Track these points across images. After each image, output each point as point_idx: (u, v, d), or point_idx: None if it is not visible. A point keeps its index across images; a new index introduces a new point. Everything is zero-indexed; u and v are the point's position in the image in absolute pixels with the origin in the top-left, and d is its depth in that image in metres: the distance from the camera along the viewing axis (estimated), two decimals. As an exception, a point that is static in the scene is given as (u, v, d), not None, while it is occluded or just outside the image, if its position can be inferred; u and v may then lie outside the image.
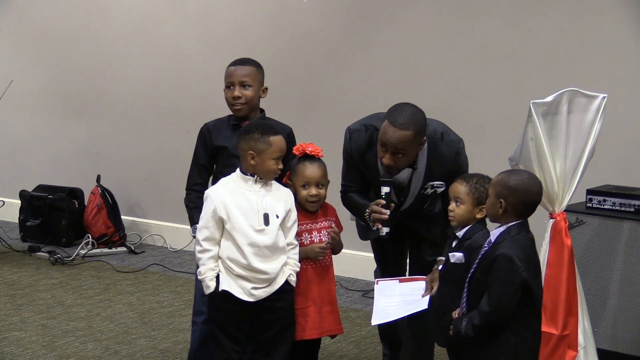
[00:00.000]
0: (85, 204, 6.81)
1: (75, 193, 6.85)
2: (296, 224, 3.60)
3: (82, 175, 6.96)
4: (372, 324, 3.66)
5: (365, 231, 3.86)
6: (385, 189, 3.54)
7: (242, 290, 3.49)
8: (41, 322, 5.01)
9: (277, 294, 3.53)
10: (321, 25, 5.95)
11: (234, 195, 3.51)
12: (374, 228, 3.58)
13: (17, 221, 6.95)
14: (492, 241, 3.14)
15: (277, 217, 3.51)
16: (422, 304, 3.49)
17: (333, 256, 3.78)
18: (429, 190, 3.65)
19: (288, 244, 3.56)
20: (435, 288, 3.48)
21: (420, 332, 3.84)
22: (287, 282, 3.55)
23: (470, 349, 3.16)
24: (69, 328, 4.92)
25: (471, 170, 3.61)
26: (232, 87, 3.84)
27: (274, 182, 3.59)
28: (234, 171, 3.60)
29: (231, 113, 3.88)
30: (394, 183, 3.63)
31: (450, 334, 3.18)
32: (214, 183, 3.77)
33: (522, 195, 3.13)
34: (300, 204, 3.68)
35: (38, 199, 6.80)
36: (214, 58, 6.43)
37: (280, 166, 3.54)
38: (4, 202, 6.99)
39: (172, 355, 4.57)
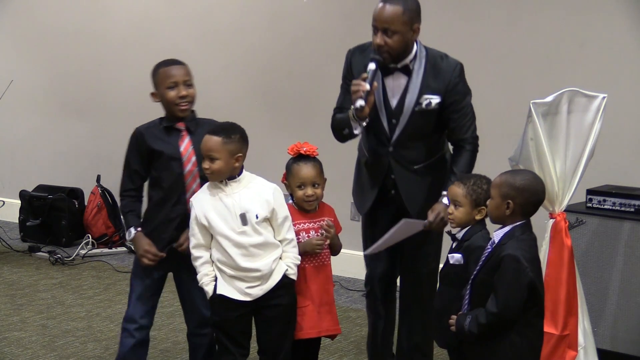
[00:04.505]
0: (85, 204, 6.81)
1: (75, 193, 6.85)
2: (288, 220, 3.55)
3: (82, 175, 6.96)
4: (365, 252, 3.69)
5: (360, 203, 3.86)
6: (371, 65, 3.54)
7: (238, 291, 3.48)
8: (41, 322, 5.01)
9: (275, 291, 3.51)
10: (321, 25, 5.95)
11: (213, 200, 3.51)
12: (357, 106, 3.51)
13: (17, 221, 6.95)
14: (496, 242, 3.13)
15: (257, 217, 3.47)
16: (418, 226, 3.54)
17: (333, 257, 3.78)
18: (424, 104, 3.64)
19: (282, 240, 3.54)
20: (433, 215, 3.50)
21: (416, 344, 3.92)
22: (285, 277, 3.53)
23: (474, 350, 3.15)
24: (69, 328, 4.92)
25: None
26: (176, 87, 3.70)
27: (257, 180, 3.56)
28: (171, 175, 3.65)
29: (162, 116, 3.79)
30: (390, 109, 3.64)
31: (452, 331, 3.16)
32: (151, 187, 3.75)
33: (529, 195, 3.13)
34: (297, 204, 3.68)
35: (38, 199, 6.80)
36: (213, 58, 6.44)
37: (206, 165, 3.47)
38: (4, 202, 6.98)
39: (172, 355, 4.57)
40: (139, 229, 3.70)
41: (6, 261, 6.27)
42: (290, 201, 3.72)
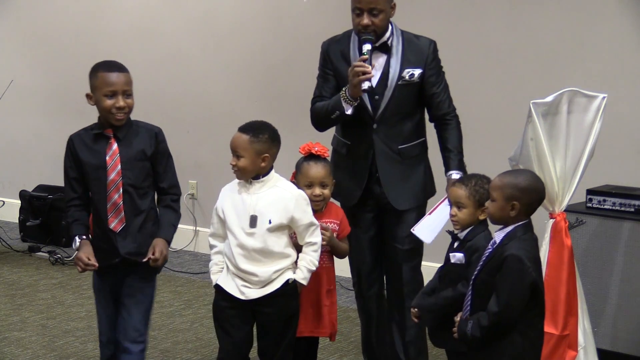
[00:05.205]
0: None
1: (75, 193, 6.85)
2: (312, 227, 3.49)
3: (82, 175, 6.95)
4: (428, 241, 3.72)
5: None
6: (368, 46, 3.66)
7: (235, 287, 3.48)
8: (41, 322, 5.01)
9: (272, 298, 3.48)
10: (322, 25, 5.93)
11: (234, 195, 3.52)
12: (365, 88, 3.61)
13: (17, 221, 6.95)
14: (497, 242, 3.12)
15: (270, 222, 3.43)
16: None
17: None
18: (407, 76, 3.76)
19: (306, 244, 3.50)
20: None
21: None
22: (286, 286, 3.48)
23: (474, 351, 3.13)
24: (69, 328, 4.92)
25: (471, 171, 3.62)
26: (114, 96, 3.54)
27: (282, 184, 3.52)
28: (100, 184, 3.52)
29: (95, 122, 3.65)
30: (371, 88, 3.70)
31: (454, 337, 3.14)
32: (91, 204, 3.61)
33: (533, 194, 3.13)
34: None
35: (38, 199, 6.80)
36: (214, 58, 6.43)
37: (232, 162, 3.46)
38: (4, 202, 6.99)
39: (172, 355, 4.57)
40: (84, 237, 3.56)
41: (6, 261, 6.27)
42: None
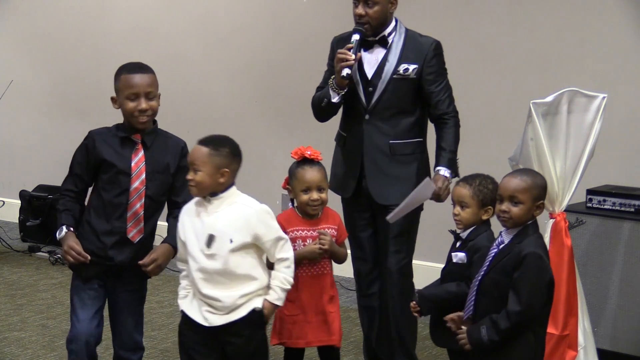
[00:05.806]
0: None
1: (75, 193, 6.84)
2: (280, 242, 3.27)
3: (82, 175, 6.95)
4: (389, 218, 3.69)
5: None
6: (355, 36, 3.76)
7: (199, 313, 3.28)
8: (41, 322, 5.01)
9: (237, 327, 3.25)
10: (322, 25, 5.94)
11: (193, 216, 3.29)
12: (344, 75, 3.68)
13: (17, 221, 6.94)
14: (506, 242, 3.08)
15: (232, 241, 3.19)
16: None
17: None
18: (402, 70, 3.81)
19: (277, 260, 3.29)
20: (440, 182, 3.65)
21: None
22: (253, 314, 3.25)
23: (484, 352, 3.08)
24: (69, 328, 4.91)
25: (471, 171, 3.62)
26: (136, 99, 3.46)
27: (243, 200, 3.28)
28: (118, 188, 3.46)
29: (117, 123, 3.59)
30: (366, 79, 3.79)
31: (465, 345, 3.08)
32: (93, 193, 3.58)
33: (547, 192, 3.20)
34: (300, 209, 3.61)
35: (38, 199, 6.80)
36: (214, 59, 6.43)
37: (189, 176, 3.23)
38: (4, 202, 6.99)
39: (172, 355, 4.57)
40: (71, 228, 3.50)
41: (6, 261, 6.27)
42: (292, 206, 3.67)
